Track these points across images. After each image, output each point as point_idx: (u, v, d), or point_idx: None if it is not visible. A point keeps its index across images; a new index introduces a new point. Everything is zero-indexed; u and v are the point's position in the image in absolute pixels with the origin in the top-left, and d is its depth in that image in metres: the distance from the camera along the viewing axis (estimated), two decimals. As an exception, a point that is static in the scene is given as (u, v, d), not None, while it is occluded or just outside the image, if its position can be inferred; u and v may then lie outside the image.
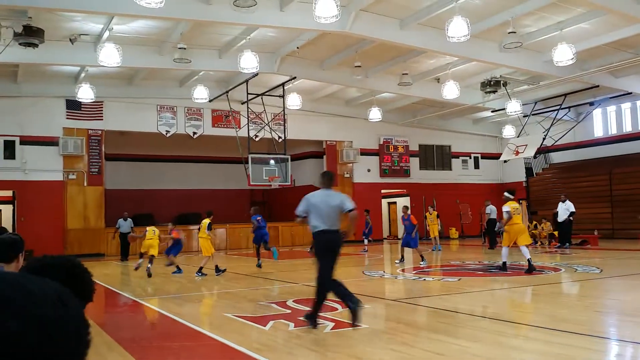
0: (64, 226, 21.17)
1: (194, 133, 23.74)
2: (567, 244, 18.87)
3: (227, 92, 21.77)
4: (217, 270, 12.90)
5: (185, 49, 16.43)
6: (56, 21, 14.90)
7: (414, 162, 28.62)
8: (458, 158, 29.95)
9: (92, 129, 21.81)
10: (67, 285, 0.92)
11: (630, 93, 22.54)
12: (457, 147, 29.82)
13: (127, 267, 17.00)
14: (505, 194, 12.40)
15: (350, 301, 6.25)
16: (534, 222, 21.97)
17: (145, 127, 22.88)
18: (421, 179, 28.40)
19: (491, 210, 20.22)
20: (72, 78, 20.43)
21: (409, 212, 15.37)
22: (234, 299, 9.27)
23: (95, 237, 21.66)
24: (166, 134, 23.24)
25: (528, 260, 11.42)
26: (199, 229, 13.98)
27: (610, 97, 23.70)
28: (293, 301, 8.33)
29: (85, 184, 21.67)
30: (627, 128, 24.99)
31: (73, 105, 21.17)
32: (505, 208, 11.84)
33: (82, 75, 19.44)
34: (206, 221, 13.25)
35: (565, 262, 13.75)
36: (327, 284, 6.44)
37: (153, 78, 21.56)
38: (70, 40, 15.90)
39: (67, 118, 21.39)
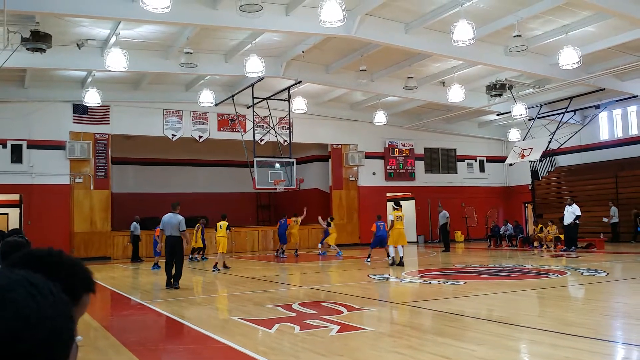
0: (71, 229, 21.29)
1: (200, 137, 23.84)
2: (573, 247, 18.82)
3: (232, 96, 21.86)
4: (216, 267, 14.80)
5: (191, 53, 16.51)
6: (63, 26, 15.01)
7: (419, 166, 28.61)
8: (463, 161, 29.92)
9: (98, 133, 21.94)
10: (51, 278, 0.89)
11: (636, 96, 22.47)
12: (462, 151, 29.79)
13: (136, 270, 17.07)
14: (393, 204, 15.85)
15: None
16: (540, 225, 21.90)
17: (151, 131, 22.98)
18: (426, 182, 28.37)
19: (443, 215, 21.51)
20: (79, 83, 20.57)
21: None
22: (240, 302, 9.30)
23: (102, 240, 21.76)
24: (172, 137, 23.34)
25: (391, 257, 14.74)
26: (216, 229, 15.77)
27: (616, 100, 23.63)
28: (299, 304, 8.35)
29: (91, 188, 21.79)
30: (633, 131, 24.90)
31: (80, 110, 21.31)
32: (390, 217, 15.24)
33: (89, 79, 19.57)
34: (225, 223, 15.40)
35: (571, 266, 13.71)
36: None
37: (159, 82, 21.68)
38: (77, 45, 16.02)
39: (74, 122, 21.53)
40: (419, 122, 26.93)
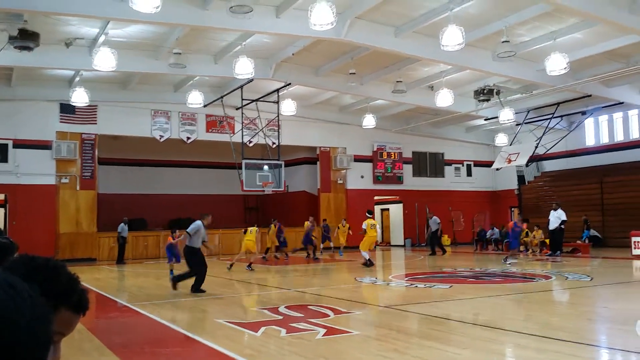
0: (56, 230, 21.07)
1: (188, 138, 23.74)
2: (559, 252, 18.97)
3: (221, 97, 21.80)
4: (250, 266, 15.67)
5: (180, 54, 16.44)
6: (52, 25, 14.89)
7: (407, 169, 28.71)
8: (451, 165, 30.08)
9: (85, 133, 21.76)
10: (28, 281, 0.88)
11: (622, 103, 22.76)
12: (450, 155, 29.95)
13: (121, 272, 16.94)
14: (367, 214, 17.36)
15: None
16: (525, 230, 22.05)
17: (139, 131, 22.84)
18: (414, 186, 28.48)
19: (434, 221, 21.50)
20: (67, 82, 20.40)
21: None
22: (227, 305, 9.27)
23: (88, 241, 21.57)
24: (160, 138, 23.22)
25: (368, 259, 16.01)
26: (244, 232, 16.69)
27: (602, 107, 23.90)
28: (285, 307, 8.34)
29: (77, 188, 21.60)
30: (619, 137, 25.20)
31: (67, 109, 21.12)
32: (364, 225, 16.44)
33: (77, 79, 19.41)
34: (255, 228, 16.45)
35: (556, 270, 13.83)
36: None
37: (147, 83, 21.56)
38: (65, 44, 15.90)
39: (61, 122, 21.34)
40: (407, 126, 27.05)
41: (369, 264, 16.00)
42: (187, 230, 10.81)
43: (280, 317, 7.55)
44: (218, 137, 23.94)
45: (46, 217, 20.76)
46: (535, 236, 20.89)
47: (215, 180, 28.96)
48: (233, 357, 5.51)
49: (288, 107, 21.85)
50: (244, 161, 21.04)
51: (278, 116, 22.01)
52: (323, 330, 6.57)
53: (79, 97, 18.99)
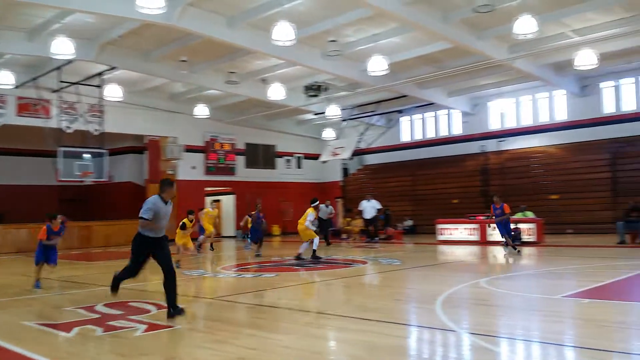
0: None
1: (-6, 121, 21.16)
2: (376, 238, 20.52)
3: (35, 78, 19.79)
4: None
5: (-15, 27, 14.60)
6: None
7: (240, 160, 28.79)
8: (282, 157, 30.83)
9: None
10: None
11: (433, 103, 25.31)
12: (282, 147, 30.66)
13: None
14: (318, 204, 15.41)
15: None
16: (347, 219, 23.46)
17: None
18: (247, 177, 28.67)
19: (329, 210, 21.06)
20: None
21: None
22: (35, 306, 8.49)
23: None
24: (-42, 120, 20.38)
25: (313, 251, 14.29)
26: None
27: (416, 107, 26.31)
28: (103, 305, 7.88)
29: None
30: (429, 135, 27.98)
31: None
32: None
33: None
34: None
35: (372, 256, 14.95)
36: None
37: (-58, 56, 18.76)
38: None
39: None
40: (240, 117, 27.08)
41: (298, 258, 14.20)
42: None
43: (97, 316, 7.12)
44: (31, 122, 21.65)
45: None
46: (357, 224, 22.28)
47: (28, 169, 26.29)
48: (41, 361, 5.08)
49: (113, 92, 20.53)
50: (61, 149, 19.36)
51: (101, 101, 20.59)
52: (144, 327, 6.34)
53: None
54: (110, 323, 6.53)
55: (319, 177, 31.86)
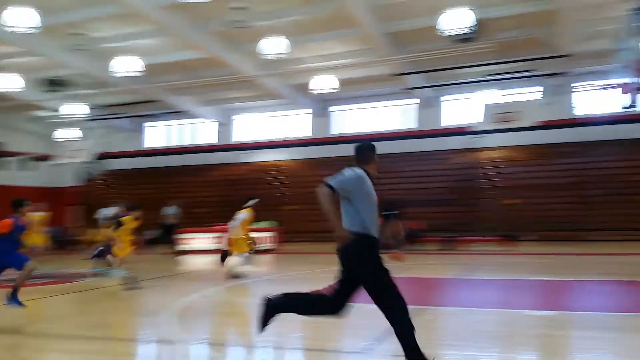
0: None
1: None
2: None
3: None
4: None
5: None
6: None
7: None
8: (13, 157, 27.04)
9: None
10: None
11: (186, 111, 25.03)
12: (12, 145, 26.83)
13: None
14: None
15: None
16: (89, 228, 21.68)
17: None
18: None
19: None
20: None
21: None
22: None
23: None
24: None
25: None
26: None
27: (169, 112, 25.63)
28: None
29: None
30: (174, 142, 27.78)
31: None
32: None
33: None
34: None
35: (105, 268, 13.39)
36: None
37: None
38: None
39: None
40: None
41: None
42: None
43: None
44: None
45: None
46: (101, 234, 20.67)
47: None
48: None
49: None
50: None
51: None
52: None
53: None
54: None
55: (54, 180, 28.72)
